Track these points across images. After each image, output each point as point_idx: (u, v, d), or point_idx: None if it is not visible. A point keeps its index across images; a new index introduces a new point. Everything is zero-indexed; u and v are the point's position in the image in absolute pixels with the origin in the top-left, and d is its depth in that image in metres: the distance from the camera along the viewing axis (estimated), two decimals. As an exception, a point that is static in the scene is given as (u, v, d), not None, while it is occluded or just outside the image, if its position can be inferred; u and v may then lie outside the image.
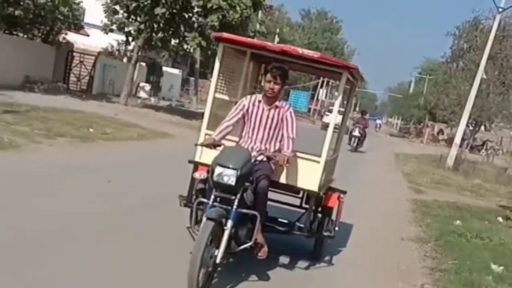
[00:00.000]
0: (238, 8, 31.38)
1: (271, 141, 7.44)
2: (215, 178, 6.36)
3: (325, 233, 8.31)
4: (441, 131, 61.88)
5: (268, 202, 7.85)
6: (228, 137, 7.44)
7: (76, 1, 35.81)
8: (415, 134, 73.63)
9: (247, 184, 6.59)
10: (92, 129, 18.77)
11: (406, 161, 30.74)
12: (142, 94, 38.15)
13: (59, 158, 12.99)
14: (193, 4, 30.63)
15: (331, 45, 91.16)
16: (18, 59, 30.55)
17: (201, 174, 7.31)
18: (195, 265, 5.84)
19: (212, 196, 6.42)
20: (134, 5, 31.25)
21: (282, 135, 7.33)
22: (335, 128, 8.07)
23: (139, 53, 35.20)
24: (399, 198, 16.71)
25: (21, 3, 30.90)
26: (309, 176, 7.67)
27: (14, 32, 32.51)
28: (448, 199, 17.18)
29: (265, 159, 7.15)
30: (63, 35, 36.43)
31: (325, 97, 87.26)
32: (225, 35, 7.78)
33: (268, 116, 7.36)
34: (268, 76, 7.20)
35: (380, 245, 10.66)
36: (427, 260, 9.74)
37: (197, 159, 7.84)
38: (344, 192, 8.47)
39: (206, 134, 7.68)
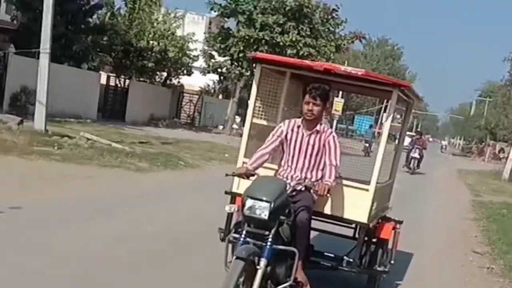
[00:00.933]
0: (325, 54, 32.65)
1: (313, 170, 5.80)
2: (246, 212, 4.91)
3: (379, 268, 6.47)
4: (502, 150, 58.15)
5: (318, 233, 6.63)
6: (267, 165, 5.90)
7: (192, 52, 37.45)
8: (477, 153, 68.71)
9: (282, 217, 5.10)
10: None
11: (468, 175, 30.77)
12: (234, 125, 38.49)
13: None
14: (288, 53, 30.76)
15: (393, 71, 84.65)
16: (145, 101, 33.62)
17: (231, 207, 5.62)
18: None
19: (244, 232, 4.98)
20: (241, 55, 32.79)
21: (324, 162, 5.70)
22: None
23: (241, 93, 37.51)
24: (462, 200, 18.86)
25: (152, 56, 33.45)
26: (357, 206, 5.94)
27: (141, 79, 35.81)
28: (500, 200, 18.84)
29: (303, 188, 5.55)
30: (178, 79, 39.87)
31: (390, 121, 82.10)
32: (262, 54, 6.40)
33: (308, 142, 5.76)
34: (307, 97, 5.64)
35: (448, 223, 13.85)
36: (479, 226, 13.44)
37: (234, 189, 6.20)
38: (400, 222, 6.84)
39: (244, 162, 6.01)
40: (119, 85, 34.18)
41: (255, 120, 6.44)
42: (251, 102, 6.36)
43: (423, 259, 8.98)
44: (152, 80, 37.25)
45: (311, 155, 5.74)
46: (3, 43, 26.19)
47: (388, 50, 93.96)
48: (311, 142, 5.73)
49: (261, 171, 5.68)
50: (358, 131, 55.60)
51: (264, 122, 6.56)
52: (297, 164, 5.77)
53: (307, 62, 6.31)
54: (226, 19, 35.20)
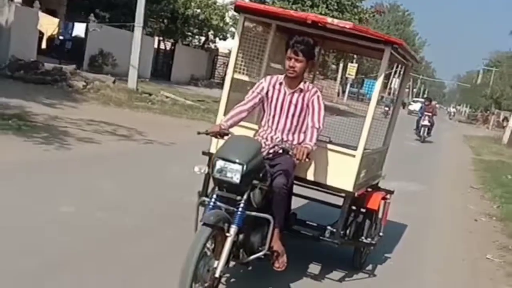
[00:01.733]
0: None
1: (295, 132, 4.63)
2: (216, 175, 3.91)
3: (365, 240, 5.33)
4: (505, 118, 55.38)
5: (307, 202, 5.64)
6: (245, 124, 4.77)
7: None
8: (482, 121, 65.43)
9: (256, 182, 4.04)
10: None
11: (472, 140, 30.76)
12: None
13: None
14: None
15: (403, 37, 73.56)
16: (188, 62, 33.06)
17: (201, 169, 4.31)
18: (185, 280, 3.51)
19: (214, 196, 3.98)
20: None
21: (307, 124, 4.54)
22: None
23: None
24: (465, 158, 19.80)
25: (196, 23, 32.88)
26: (342, 172, 4.75)
27: (184, 43, 35.49)
28: (496, 159, 20.12)
29: (280, 150, 4.48)
30: (214, 43, 37.77)
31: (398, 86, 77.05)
32: (245, 2, 4.82)
33: (290, 101, 4.59)
34: (289, 51, 4.47)
35: (454, 171, 15.53)
36: (477, 174, 14.87)
37: (212, 150, 4.96)
38: (391, 192, 5.68)
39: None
40: (166, 48, 34.49)
41: (237, 76, 5.28)
42: (232, 56, 5.18)
43: (436, 192, 11.30)
44: (192, 44, 36.59)
45: (293, 115, 4.65)
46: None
47: (399, 16, 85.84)
48: (294, 101, 4.64)
49: (240, 131, 4.66)
50: (368, 95, 52.17)
51: (246, 78, 5.41)
52: (278, 124, 4.69)
53: (292, 12, 4.95)
54: None
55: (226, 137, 4.36)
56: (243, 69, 5.31)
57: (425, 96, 36.67)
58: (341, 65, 48.40)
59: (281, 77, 4.68)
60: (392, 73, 72.95)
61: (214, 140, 4.93)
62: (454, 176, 14.70)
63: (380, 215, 5.65)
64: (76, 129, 10.49)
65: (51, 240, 4.88)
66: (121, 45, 21.89)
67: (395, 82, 77.37)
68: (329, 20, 4.71)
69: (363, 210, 5.39)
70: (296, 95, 4.61)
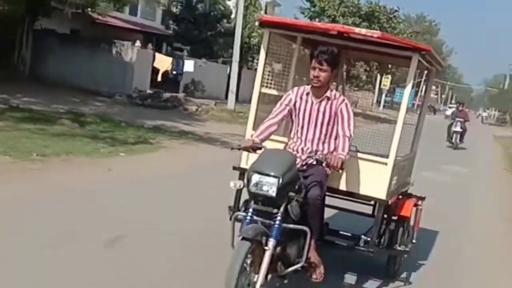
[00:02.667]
0: None
1: (325, 141, 4.54)
2: (252, 189, 3.89)
3: (399, 248, 5.21)
4: None
5: (335, 211, 5.50)
6: (276, 137, 4.71)
7: None
8: (510, 123, 69.33)
9: (292, 194, 3.96)
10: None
11: (501, 139, 34.64)
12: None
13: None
14: None
15: (430, 46, 77.43)
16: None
17: (236, 184, 4.35)
18: None
19: (250, 210, 3.95)
20: None
21: (337, 132, 4.47)
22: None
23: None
24: (496, 151, 25.57)
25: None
26: (374, 181, 4.66)
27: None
28: None
29: (313, 161, 4.37)
30: None
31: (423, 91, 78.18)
32: (270, 17, 4.40)
33: (318, 110, 4.52)
34: (313, 62, 4.41)
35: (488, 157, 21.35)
36: (506, 161, 19.64)
37: (242, 165, 4.94)
38: (422, 199, 5.55)
39: (252, 135, 4.73)
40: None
41: (264, 90, 5.19)
42: (259, 70, 5.11)
43: (476, 171, 15.76)
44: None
45: (322, 124, 4.55)
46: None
47: (426, 26, 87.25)
48: (322, 109, 4.54)
49: (269, 144, 4.54)
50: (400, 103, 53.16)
51: (274, 92, 5.31)
52: (307, 135, 4.60)
53: (318, 24, 4.91)
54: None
55: (259, 151, 4.31)
56: (271, 83, 5.24)
57: (456, 101, 36.32)
58: (378, 76, 50.35)
59: (307, 87, 4.60)
60: (423, 81, 73.84)
61: (244, 155, 4.89)
62: (488, 161, 19.63)
63: (412, 222, 5.53)
64: (229, 139, 13.71)
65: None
66: (208, 74, 28.31)
67: (407, 87, 78.27)
68: (357, 30, 4.67)
69: (395, 217, 5.26)
70: (323, 103, 4.52)
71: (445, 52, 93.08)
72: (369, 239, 4.83)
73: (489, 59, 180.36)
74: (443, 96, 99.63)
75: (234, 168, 5.01)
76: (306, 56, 5.39)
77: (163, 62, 26.16)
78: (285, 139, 4.82)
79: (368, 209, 5.81)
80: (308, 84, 4.75)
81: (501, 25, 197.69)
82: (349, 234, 5.25)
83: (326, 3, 37.39)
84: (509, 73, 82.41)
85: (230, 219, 4.66)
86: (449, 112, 54.30)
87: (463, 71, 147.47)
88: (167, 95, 22.47)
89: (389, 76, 51.52)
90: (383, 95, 57.89)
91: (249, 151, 4.44)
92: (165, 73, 26.13)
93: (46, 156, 8.73)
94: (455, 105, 66.52)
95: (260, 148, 4.34)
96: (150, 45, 25.66)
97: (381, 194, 4.69)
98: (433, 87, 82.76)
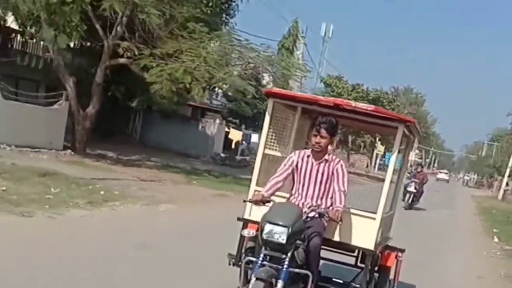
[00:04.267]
0: None
1: (323, 197, 5.12)
2: (264, 236, 4.42)
3: None
4: (507, 184, 57.56)
5: (322, 261, 5.62)
6: (278, 193, 5.18)
7: None
8: (487, 186, 76.14)
9: (298, 242, 4.56)
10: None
11: (477, 198, 43.39)
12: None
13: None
14: None
15: (416, 116, 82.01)
16: None
17: (249, 232, 5.04)
18: None
19: (261, 255, 4.47)
20: None
21: (333, 189, 5.02)
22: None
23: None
24: (472, 206, 33.15)
25: None
26: (364, 233, 5.18)
27: None
28: (491, 206, 32.72)
29: (316, 215, 4.90)
30: None
31: (414, 157, 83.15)
32: (275, 89, 5.74)
33: (318, 171, 5.09)
34: (314, 130, 5.04)
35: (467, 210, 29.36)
36: (479, 215, 25.27)
37: (246, 216, 5.46)
38: (402, 251, 5.97)
39: (255, 190, 5.38)
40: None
41: (267, 151, 5.70)
42: (263, 134, 5.65)
43: (458, 214, 24.75)
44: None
45: (320, 183, 5.08)
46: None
47: (412, 97, 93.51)
48: (321, 170, 5.08)
49: (274, 199, 5.01)
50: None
51: (277, 153, 5.80)
52: (307, 191, 5.11)
53: (317, 97, 5.58)
54: None
55: (268, 204, 4.82)
56: (273, 145, 5.74)
57: (419, 163, 35.02)
58: (368, 141, 56.50)
59: (308, 151, 5.12)
60: (410, 147, 77.79)
61: (247, 207, 5.36)
62: (464, 214, 25.85)
63: (393, 272, 5.93)
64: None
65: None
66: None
67: (411, 155, 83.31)
68: (353, 104, 5.28)
69: (376, 268, 5.70)
70: (322, 165, 5.03)
71: (429, 121, 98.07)
72: (358, 286, 5.25)
73: (470, 127, 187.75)
74: (427, 160, 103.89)
75: (239, 219, 5.44)
76: (305, 123, 6.08)
77: (235, 135, 36.25)
78: (287, 195, 5.26)
79: (351, 260, 6.18)
80: (301, 145, 5.45)
81: (483, 94, 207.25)
82: (340, 281, 5.62)
83: (341, 89, 46.20)
84: (486, 141, 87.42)
85: (229, 264, 5.32)
86: (440, 176, 56.70)
87: (446, 137, 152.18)
88: (238, 157, 31.46)
89: (383, 145, 56.64)
90: (378, 159, 64.16)
91: (259, 204, 4.92)
92: (237, 143, 35.93)
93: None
94: (443, 171, 71.15)
95: (269, 201, 4.85)
96: (224, 121, 33.47)
97: (370, 245, 5.12)
98: (417, 151, 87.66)
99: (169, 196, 12.72)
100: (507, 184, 51.39)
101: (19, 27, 21.05)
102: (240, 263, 5.07)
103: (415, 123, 5.49)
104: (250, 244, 5.23)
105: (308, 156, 5.11)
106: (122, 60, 18.37)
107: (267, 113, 5.58)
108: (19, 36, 22.72)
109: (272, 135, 5.73)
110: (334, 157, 5.14)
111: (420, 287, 7.64)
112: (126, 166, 17.93)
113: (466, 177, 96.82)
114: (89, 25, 18.12)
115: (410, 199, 20.80)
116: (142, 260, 6.59)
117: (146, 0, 16.45)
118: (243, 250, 5.30)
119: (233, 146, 35.24)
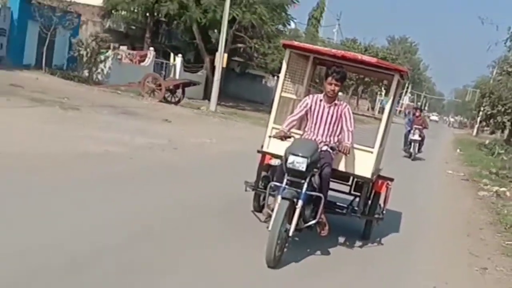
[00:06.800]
0: None
1: (331, 135, 5.86)
2: (288, 165, 5.13)
3: (376, 216, 6.54)
4: (481, 122, 61.82)
5: None
6: (293, 130, 5.93)
7: None
8: (469, 127, 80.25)
9: (314, 170, 5.32)
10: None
11: (457, 135, 51.58)
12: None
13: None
14: None
15: (410, 64, 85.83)
16: None
17: (276, 161, 5.92)
18: (274, 238, 4.81)
19: (285, 180, 5.19)
20: None
21: (342, 128, 5.81)
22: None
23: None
24: (451, 138, 41.52)
25: None
26: (363, 164, 6.01)
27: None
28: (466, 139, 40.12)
29: (327, 149, 5.70)
30: None
31: (407, 101, 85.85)
32: (291, 42, 6.36)
33: (328, 113, 5.80)
34: (329, 79, 5.68)
35: (444, 142, 36.37)
36: (454, 144, 32.94)
37: (265, 149, 6.24)
38: (391, 180, 6.66)
39: (273, 127, 6.15)
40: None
41: (284, 94, 6.42)
42: (280, 79, 6.31)
43: (440, 143, 31.61)
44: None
45: (330, 123, 5.76)
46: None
47: (407, 46, 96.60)
48: (331, 112, 5.73)
49: (293, 135, 5.74)
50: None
51: (292, 96, 6.55)
52: (318, 129, 5.79)
53: (327, 49, 6.32)
54: None
55: (288, 140, 5.49)
56: (289, 89, 6.44)
57: (416, 106, 27.48)
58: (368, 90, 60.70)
59: (320, 96, 5.72)
60: (403, 92, 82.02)
61: (265, 142, 6.09)
62: (442, 144, 31.83)
63: (383, 197, 6.60)
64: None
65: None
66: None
67: (405, 99, 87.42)
68: (359, 56, 5.98)
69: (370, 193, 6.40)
70: (332, 108, 5.65)
71: (422, 68, 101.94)
72: (357, 208, 6.08)
73: (459, 72, 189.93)
74: (418, 103, 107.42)
75: (258, 151, 6.14)
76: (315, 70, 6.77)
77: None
78: (300, 132, 5.98)
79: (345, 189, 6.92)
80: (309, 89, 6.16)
81: (473, 41, 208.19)
82: (343, 205, 6.43)
83: (356, 50, 46.98)
84: (471, 88, 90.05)
85: (245, 190, 6.12)
86: (433, 117, 59.17)
87: (437, 81, 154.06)
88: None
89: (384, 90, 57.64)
90: (379, 102, 67.36)
91: (281, 139, 5.57)
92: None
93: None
94: (435, 114, 75.38)
95: (289, 137, 5.53)
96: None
97: (368, 174, 5.88)
98: (409, 95, 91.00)
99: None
100: (482, 124, 54.56)
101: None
102: (258, 189, 5.93)
103: (407, 72, 6.12)
104: (264, 173, 6.09)
105: (320, 100, 5.70)
106: (239, 45, 30.36)
107: (284, 61, 6.17)
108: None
109: (288, 80, 6.37)
110: (341, 102, 5.74)
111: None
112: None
113: (451, 119, 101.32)
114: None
115: (416, 149, 17.85)
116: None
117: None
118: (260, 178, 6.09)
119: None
